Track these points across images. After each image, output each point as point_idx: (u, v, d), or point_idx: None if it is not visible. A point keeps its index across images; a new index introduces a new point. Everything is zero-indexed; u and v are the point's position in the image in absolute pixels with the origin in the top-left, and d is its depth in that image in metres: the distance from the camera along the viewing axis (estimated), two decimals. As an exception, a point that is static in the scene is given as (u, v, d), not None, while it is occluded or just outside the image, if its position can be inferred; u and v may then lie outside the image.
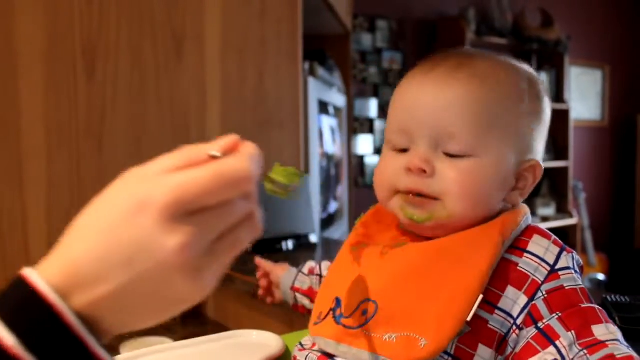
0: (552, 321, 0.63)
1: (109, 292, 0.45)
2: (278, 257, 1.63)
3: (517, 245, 0.68)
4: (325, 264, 0.98)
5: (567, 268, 0.67)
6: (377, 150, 4.03)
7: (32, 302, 0.44)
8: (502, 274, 0.66)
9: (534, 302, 0.64)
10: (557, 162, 4.90)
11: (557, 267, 0.66)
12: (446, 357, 0.63)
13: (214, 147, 0.49)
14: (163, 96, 1.68)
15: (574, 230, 4.94)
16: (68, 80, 1.52)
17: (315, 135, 2.11)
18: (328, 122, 2.45)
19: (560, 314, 0.63)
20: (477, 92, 0.69)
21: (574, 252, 0.69)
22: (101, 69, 1.57)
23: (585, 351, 0.59)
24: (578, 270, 0.68)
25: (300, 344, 0.76)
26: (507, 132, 0.70)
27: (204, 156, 0.48)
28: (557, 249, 0.68)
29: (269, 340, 0.84)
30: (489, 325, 0.64)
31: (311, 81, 2.07)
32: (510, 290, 0.65)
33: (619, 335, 0.60)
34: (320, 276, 0.97)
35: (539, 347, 0.62)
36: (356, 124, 3.92)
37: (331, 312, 0.71)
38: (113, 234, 0.45)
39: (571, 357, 0.59)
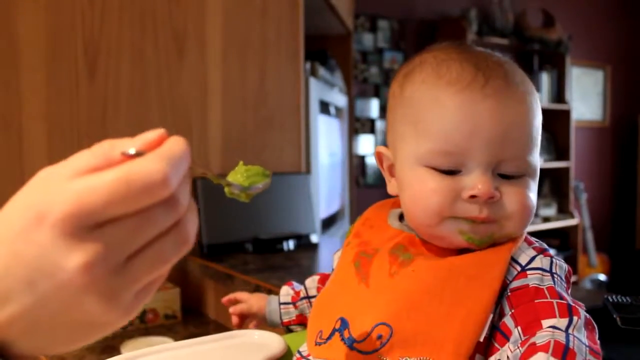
0: (506, 318, 0.62)
1: (14, 313, 0.40)
2: (279, 257, 1.63)
3: None
4: (311, 281, 0.97)
5: (539, 269, 0.65)
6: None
7: None
8: None
9: (501, 301, 0.64)
10: (559, 163, 4.89)
11: (527, 267, 0.65)
12: None
13: (132, 143, 0.42)
14: (164, 95, 1.68)
15: (575, 231, 4.94)
16: (70, 79, 1.53)
17: (316, 135, 2.11)
18: (329, 122, 2.45)
19: (513, 310, 0.62)
20: (531, 109, 0.68)
21: (556, 257, 0.68)
22: (103, 67, 1.58)
23: (519, 346, 0.57)
24: (557, 272, 0.66)
25: (299, 352, 0.75)
26: (539, 143, 0.70)
27: (117, 155, 0.41)
28: (534, 252, 0.67)
29: (271, 341, 0.84)
30: None
31: (312, 81, 2.07)
32: None
33: (565, 323, 0.57)
34: (309, 297, 0.96)
35: (498, 346, 0.62)
36: (357, 124, 3.92)
37: (337, 333, 0.69)
38: (11, 249, 0.39)
39: (512, 351, 0.58)
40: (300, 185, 1.87)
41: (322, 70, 2.32)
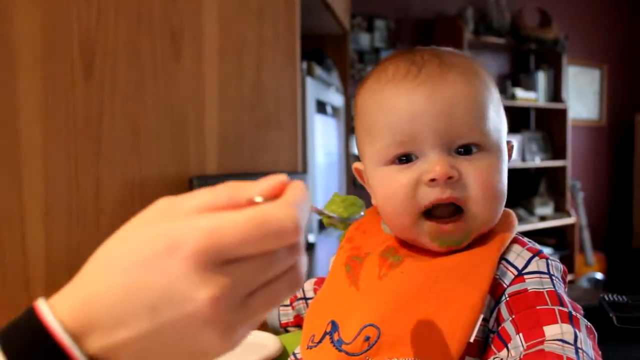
0: (506, 324, 0.61)
1: (128, 338, 0.41)
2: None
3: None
4: (309, 283, 0.96)
5: (537, 272, 0.65)
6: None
7: (42, 342, 0.40)
8: None
9: (498, 306, 0.64)
10: (555, 162, 4.90)
11: (524, 271, 0.65)
12: None
13: (256, 189, 0.43)
14: (161, 96, 1.67)
15: (572, 230, 4.95)
16: (66, 80, 1.52)
17: (313, 134, 2.11)
18: (325, 122, 2.45)
19: (514, 316, 0.61)
20: (471, 87, 0.68)
21: (552, 258, 0.67)
22: (99, 68, 1.57)
23: (522, 351, 0.57)
24: (554, 274, 0.66)
25: (294, 354, 0.75)
26: (498, 119, 0.71)
27: (243, 199, 0.43)
28: (529, 255, 0.67)
29: (267, 341, 0.84)
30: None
31: (309, 81, 2.07)
32: (486, 298, 0.65)
33: (571, 336, 0.57)
34: (306, 299, 0.95)
35: (496, 351, 0.62)
36: (354, 124, 3.92)
37: (328, 336, 0.69)
38: (136, 275, 0.40)
39: (513, 356, 0.58)
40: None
41: (318, 70, 2.32)
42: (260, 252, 0.41)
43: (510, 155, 0.74)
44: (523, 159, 4.73)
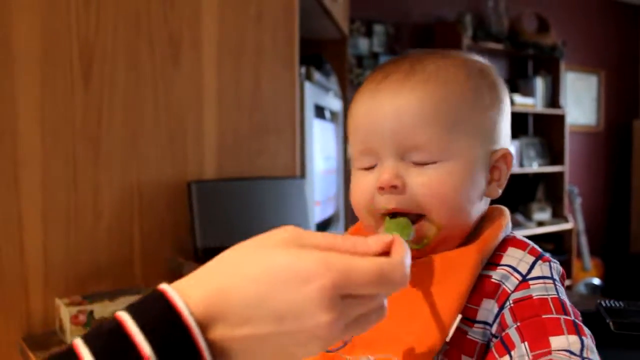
0: (510, 330, 0.61)
1: (250, 336, 0.48)
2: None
3: (493, 261, 0.67)
4: None
5: (540, 277, 0.65)
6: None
7: (172, 323, 0.46)
8: (478, 290, 0.65)
9: (502, 312, 0.64)
10: (553, 167, 4.91)
11: (528, 276, 0.65)
12: None
13: (374, 245, 0.54)
14: (159, 100, 1.68)
15: (570, 235, 4.95)
16: (64, 84, 1.52)
17: (312, 139, 2.11)
18: (324, 127, 2.45)
19: (519, 324, 0.61)
20: (432, 94, 0.67)
21: (553, 260, 0.68)
22: (98, 73, 1.57)
23: None
24: (557, 278, 0.66)
25: None
26: (471, 128, 0.68)
27: (367, 248, 0.53)
28: (532, 259, 0.66)
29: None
30: (469, 336, 0.64)
31: (307, 85, 2.07)
32: (485, 302, 0.65)
33: (578, 346, 0.57)
34: None
35: (497, 356, 0.62)
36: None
37: None
38: (272, 290, 0.48)
39: None
40: (295, 189, 1.87)
41: (317, 75, 2.32)
42: (371, 295, 0.51)
43: (507, 165, 0.72)
44: (521, 165, 4.73)
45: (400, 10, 4.26)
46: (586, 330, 0.60)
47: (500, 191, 0.73)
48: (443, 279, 0.66)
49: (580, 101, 5.45)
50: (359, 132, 0.71)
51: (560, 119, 4.94)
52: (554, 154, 4.99)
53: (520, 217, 4.71)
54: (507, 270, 0.66)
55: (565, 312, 0.61)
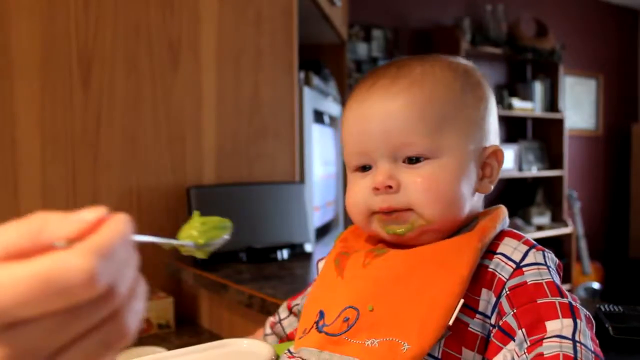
0: (508, 317, 0.63)
1: None
2: (273, 267, 1.63)
3: (490, 249, 0.69)
4: (282, 307, 0.99)
5: (534, 264, 0.66)
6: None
7: None
8: (477, 279, 0.67)
9: (500, 300, 0.65)
10: (552, 171, 4.91)
11: (522, 263, 0.66)
12: None
13: (64, 226, 0.37)
14: (158, 105, 1.68)
15: (569, 239, 4.95)
16: (64, 89, 1.53)
17: (311, 144, 2.11)
18: (323, 131, 2.45)
19: (515, 311, 0.63)
20: (417, 96, 0.70)
21: (547, 251, 0.69)
22: (97, 78, 1.58)
23: (526, 352, 0.58)
24: (551, 266, 0.67)
25: (289, 350, 0.76)
26: (458, 125, 0.71)
27: (46, 240, 0.36)
28: (526, 247, 0.68)
29: (260, 349, 0.84)
30: (470, 329, 0.65)
31: (306, 90, 2.07)
32: (484, 292, 0.66)
33: (570, 329, 0.58)
34: (280, 321, 0.98)
35: (501, 345, 0.63)
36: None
37: (315, 325, 0.72)
38: None
39: (519, 355, 0.59)
40: (294, 194, 1.87)
41: (316, 80, 2.32)
42: (52, 311, 0.34)
43: (498, 162, 0.75)
44: (520, 169, 4.74)
45: (399, 15, 4.27)
46: (582, 312, 0.61)
47: (491, 187, 0.75)
48: (446, 263, 0.67)
49: (579, 105, 5.45)
50: (352, 137, 0.74)
51: (559, 123, 4.95)
52: (553, 158, 4.99)
53: (519, 221, 4.71)
54: (501, 259, 0.67)
55: (561, 295, 0.62)
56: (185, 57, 1.72)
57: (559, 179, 4.96)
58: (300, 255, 1.78)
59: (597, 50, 5.56)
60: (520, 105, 4.71)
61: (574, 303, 0.62)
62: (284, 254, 1.73)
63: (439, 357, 0.64)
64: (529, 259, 0.67)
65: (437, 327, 0.63)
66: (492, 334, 0.65)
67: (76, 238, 0.36)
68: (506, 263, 0.67)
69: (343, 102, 3.06)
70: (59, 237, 0.36)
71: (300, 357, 0.72)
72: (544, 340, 0.58)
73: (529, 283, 0.64)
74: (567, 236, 4.95)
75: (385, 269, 0.70)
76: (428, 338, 0.63)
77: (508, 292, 0.64)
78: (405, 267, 0.69)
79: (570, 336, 0.57)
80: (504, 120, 4.71)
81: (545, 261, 0.67)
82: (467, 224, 0.73)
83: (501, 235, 0.70)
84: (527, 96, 4.84)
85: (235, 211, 1.69)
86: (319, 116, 2.33)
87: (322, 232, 2.37)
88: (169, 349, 1.33)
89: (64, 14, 1.52)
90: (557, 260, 0.70)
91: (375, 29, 4.12)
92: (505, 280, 0.65)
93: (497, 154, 0.75)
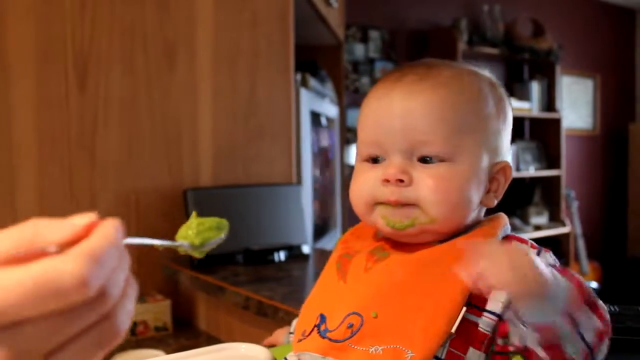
0: None
1: None
2: (270, 269, 1.63)
3: None
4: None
5: (547, 265, 0.67)
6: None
7: None
8: None
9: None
10: (549, 171, 4.91)
11: None
12: None
13: (56, 232, 0.39)
14: (155, 107, 1.68)
15: (567, 239, 4.96)
16: (60, 91, 1.52)
17: (308, 145, 2.11)
18: (320, 133, 2.45)
19: None
20: (443, 98, 0.71)
21: (550, 252, 0.70)
22: (93, 80, 1.58)
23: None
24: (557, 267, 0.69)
25: (285, 359, 0.76)
26: (477, 134, 0.72)
27: (38, 247, 0.38)
28: (534, 251, 0.69)
29: (258, 353, 0.84)
30: (479, 329, 0.65)
31: (303, 92, 2.07)
32: (496, 294, 0.66)
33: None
34: None
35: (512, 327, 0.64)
36: (349, 134, 3.92)
37: (316, 328, 0.71)
38: None
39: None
40: (291, 196, 1.87)
41: (312, 81, 2.32)
42: (47, 313, 0.37)
43: (506, 178, 0.75)
44: (517, 169, 4.74)
45: (395, 16, 4.27)
46: (600, 305, 0.64)
47: (495, 202, 0.75)
48: (447, 272, 0.66)
49: (576, 105, 5.46)
50: (369, 126, 0.74)
51: (557, 122, 4.95)
52: (550, 158, 4.99)
53: (517, 221, 4.71)
54: None
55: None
56: (181, 59, 1.72)
57: (556, 179, 4.96)
58: (297, 257, 1.78)
59: (594, 50, 5.57)
60: (517, 105, 4.71)
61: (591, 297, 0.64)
62: (281, 255, 1.73)
63: (444, 357, 0.64)
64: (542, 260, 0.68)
65: (440, 334, 0.64)
66: (497, 328, 0.65)
67: (68, 243, 0.38)
68: None
69: (340, 104, 3.07)
70: (51, 242, 0.38)
71: None
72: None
73: None
74: (565, 236, 4.95)
75: (388, 274, 0.70)
76: (432, 345, 0.63)
77: None
78: (406, 273, 0.69)
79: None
80: (502, 121, 4.70)
81: (554, 263, 0.68)
82: (465, 231, 0.73)
83: (507, 240, 0.71)
84: (525, 96, 4.84)
85: (232, 213, 1.69)
86: (315, 117, 2.33)
87: (320, 233, 2.37)
88: (167, 351, 1.33)
89: (60, 15, 1.52)
90: (557, 262, 0.71)
91: (372, 30, 4.12)
92: None
93: (505, 170, 0.75)
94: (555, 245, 4.95)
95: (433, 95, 0.71)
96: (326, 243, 2.42)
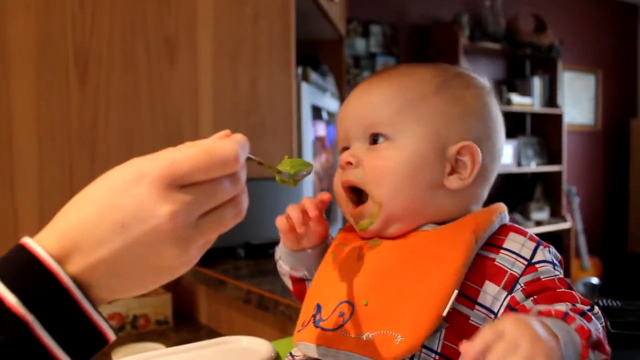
0: (526, 302, 0.64)
1: (106, 255, 0.48)
2: (270, 262, 1.63)
3: (493, 243, 0.68)
4: None
5: (544, 261, 0.67)
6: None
7: (32, 266, 0.47)
8: (479, 270, 0.67)
9: (512, 294, 0.65)
10: (551, 167, 4.91)
11: (533, 260, 0.67)
12: (433, 355, 0.64)
13: (210, 138, 0.54)
14: (155, 102, 1.67)
15: (568, 235, 4.95)
16: (60, 86, 1.52)
17: (309, 140, 2.11)
18: (321, 127, 2.45)
19: (535, 297, 0.64)
20: (390, 86, 0.75)
21: (551, 246, 0.70)
22: (93, 75, 1.57)
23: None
24: (557, 263, 0.69)
25: (291, 354, 0.76)
26: (422, 114, 0.73)
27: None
28: (533, 244, 0.69)
29: (259, 346, 0.84)
30: (471, 322, 0.65)
31: (304, 86, 2.07)
32: (488, 286, 0.66)
33: (586, 308, 0.61)
34: None
35: None
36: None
37: (312, 319, 0.72)
38: (109, 200, 0.49)
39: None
40: (292, 190, 1.86)
41: (314, 75, 2.32)
42: (209, 178, 0.50)
43: (473, 160, 0.72)
44: (519, 164, 4.74)
45: (397, 10, 4.26)
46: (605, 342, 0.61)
47: (461, 184, 0.73)
48: (438, 254, 0.67)
49: (578, 101, 5.45)
50: (339, 122, 0.80)
51: (558, 118, 4.94)
52: (551, 153, 4.99)
53: (518, 217, 4.71)
54: (509, 255, 0.67)
55: (572, 290, 0.65)
56: (182, 53, 1.72)
57: (557, 175, 4.96)
58: (298, 251, 1.78)
59: (596, 45, 5.56)
60: (518, 101, 4.70)
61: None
62: (282, 250, 1.73)
63: (439, 350, 0.64)
64: (538, 256, 0.67)
65: (431, 318, 0.63)
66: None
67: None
68: (516, 259, 0.67)
69: (341, 98, 3.06)
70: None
71: (300, 358, 0.72)
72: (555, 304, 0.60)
73: (543, 279, 0.65)
74: (566, 231, 4.95)
75: (379, 261, 0.71)
76: (421, 330, 0.63)
77: (524, 287, 0.65)
78: (397, 259, 0.70)
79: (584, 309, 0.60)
80: (503, 116, 4.70)
81: (552, 258, 0.68)
82: (456, 218, 0.72)
83: (504, 230, 0.70)
84: (526, 92, 4.83)
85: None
86: (317, 112, 2.33)
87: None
88: (167, 344, 1.33)
89: (60, 10, 1.51)
90: (560, 256, 0.71)
91: (373, 25, 4.11)
92: (517, 275, 0.66)
93: (472, 153, 0.72)
94: (556, 241, 4.94)
95: (381, 87, 0.75)
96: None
